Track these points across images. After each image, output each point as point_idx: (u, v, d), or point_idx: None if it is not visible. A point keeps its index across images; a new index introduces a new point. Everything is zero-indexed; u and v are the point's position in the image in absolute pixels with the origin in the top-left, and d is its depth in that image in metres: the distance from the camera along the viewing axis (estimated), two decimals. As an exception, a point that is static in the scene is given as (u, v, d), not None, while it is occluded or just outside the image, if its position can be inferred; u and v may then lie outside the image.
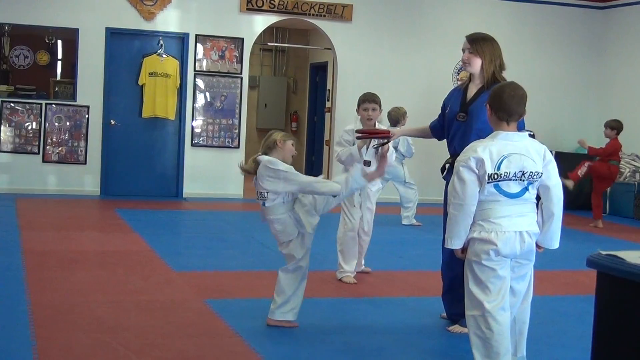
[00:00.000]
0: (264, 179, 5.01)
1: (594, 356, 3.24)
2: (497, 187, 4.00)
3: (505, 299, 4.08)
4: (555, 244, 4.20)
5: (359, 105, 6.78)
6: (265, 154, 5.12)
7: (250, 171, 5.12)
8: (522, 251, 4.06)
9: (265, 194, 5.04)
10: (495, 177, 3.98)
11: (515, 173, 3.99)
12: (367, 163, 6.70)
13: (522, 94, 4.15)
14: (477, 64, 5.29)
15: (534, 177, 4.04)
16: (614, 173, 11.45)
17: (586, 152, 13.51)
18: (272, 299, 5.23)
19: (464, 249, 4.11)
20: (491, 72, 5.31)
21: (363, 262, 7.16)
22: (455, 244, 4.09)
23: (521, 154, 4.03)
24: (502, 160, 3.99)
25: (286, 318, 5.21)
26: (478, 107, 5.16)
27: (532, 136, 8.33)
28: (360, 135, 6.01)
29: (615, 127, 11.24)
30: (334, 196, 5.07)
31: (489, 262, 4.02)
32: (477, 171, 3.98)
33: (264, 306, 5.32)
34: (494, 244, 3.99)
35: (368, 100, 6.71)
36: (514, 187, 4.01)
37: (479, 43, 5.31)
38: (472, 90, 5.34)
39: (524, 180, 4.02)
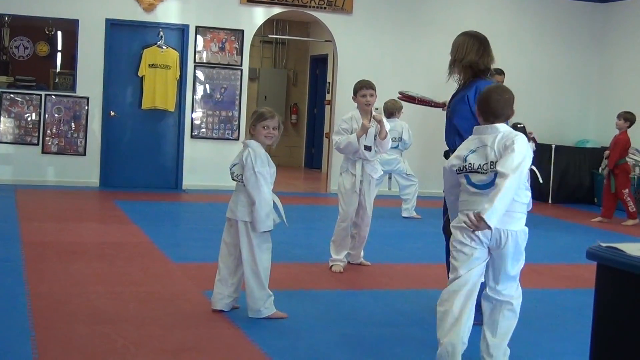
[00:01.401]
0: (244, 168, 5.11)
1: (593, 348, 3.24)
2: (467, 177, 4.19)
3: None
4: (490, 217, 3.91)
5: (356, 93, 6.82)
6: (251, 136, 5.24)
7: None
8: (498, 245, 4.14)
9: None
10: (462, 168, 4.20)
11: (480, 165, 4.12)
12: (368, 148, 6.76)
13: (508, 97, 4.26)
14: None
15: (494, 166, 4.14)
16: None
17: (586, 146, 13.54)
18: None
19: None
20: (465, 69, 5.28)
21: (362, 254, 7.16)
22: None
23: (487, 146, 4.13)
24: (470, 154, 4.18)
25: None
26: (455, 103, 5.29)
27: (523, 128, 8.35)
28: (405, 98, 5.88)
29: (628, 119, 11.06)
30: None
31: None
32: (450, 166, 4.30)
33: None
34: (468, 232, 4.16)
35: (365, 87, 6.79)
36: (482, 178, 4.12)
37: (454, 42, 5.36)
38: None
39: (492, 172, 4.10)
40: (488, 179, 4.09)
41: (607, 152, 11.38)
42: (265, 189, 5.09)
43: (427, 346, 4.87)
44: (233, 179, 5.25)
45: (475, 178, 4.15)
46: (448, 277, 4.36)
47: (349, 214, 6.86)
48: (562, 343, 5.07)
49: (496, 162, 4.06)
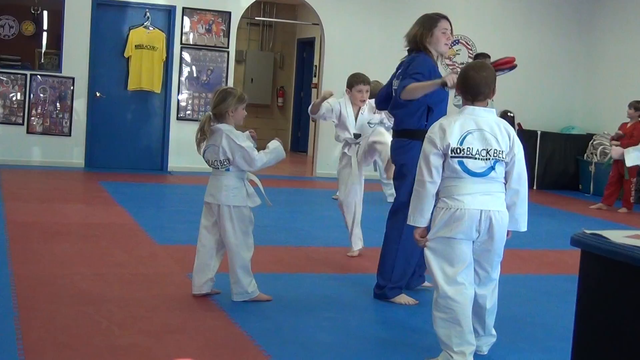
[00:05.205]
0: (225, 151, 5.06)
1: (575, 335, 3.25)
2: (460, 163, 3.93)
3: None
4: (523, 226, 4.14)
5: (351, 87, 6.70)
6: (216, 117, 5.13)
7: (206, 137, 5.16)
8: (486, 231, 3.98)
9: (227, 162, 5.09)
10: (458, 151, 3.92)
11: (478, 150, 3.93)
12: (357, 136, 6.70)
13: (485, 75, 4.06)
14: None
15: (499, 155, 3.96)
16: None
17: (571, 132, 13.58)
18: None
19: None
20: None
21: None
22: (418, 221, 4.07)
23: (485, 131, 3.97)
24: (466, 136, 3.94)
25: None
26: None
27: (512, 118, 8.28)
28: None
29: (639, 108, 11.00)
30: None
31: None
32: (439, 144, 3.94)
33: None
34: (455, 221, 3.96)
35: (362, 82, 6.69)
36: (478, 166, 3.94)
37: None
38: None
39: (489, 159, 3.94)
40: (486, 166, 3.94)
41: (614, 140, 11.22)
42: (258, 156, 5.07)
43: (410, 330, 4.89)
44: (211, 166, 5.19)
45: (472, 165, 3.93)
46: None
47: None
48: (545, 328, 5.09)
49: (500, 151, 3.94)
